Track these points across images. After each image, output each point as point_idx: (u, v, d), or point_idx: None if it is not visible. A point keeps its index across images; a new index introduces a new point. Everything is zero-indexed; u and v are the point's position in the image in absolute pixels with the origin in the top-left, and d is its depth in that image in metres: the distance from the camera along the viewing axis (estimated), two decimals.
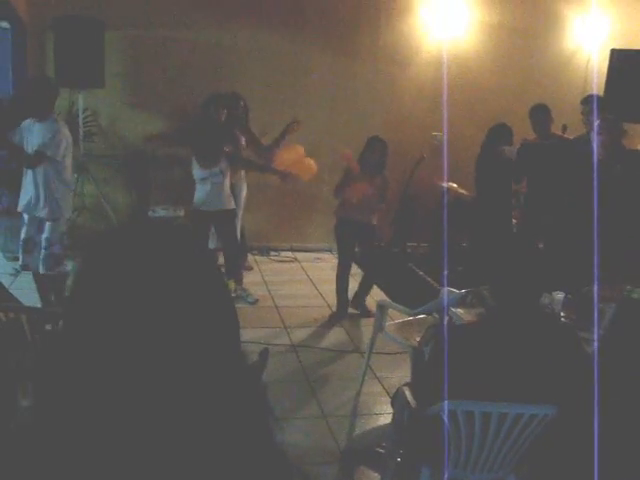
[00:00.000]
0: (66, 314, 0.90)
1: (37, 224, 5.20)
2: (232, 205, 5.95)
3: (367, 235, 5.84)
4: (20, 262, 5.35)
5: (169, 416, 0.82)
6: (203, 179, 5.74)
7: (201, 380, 0.85)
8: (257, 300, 6.13)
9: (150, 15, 7.35)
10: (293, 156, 6.28)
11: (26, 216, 5.22)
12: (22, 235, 5.26)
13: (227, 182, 5.85)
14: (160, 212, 7.08)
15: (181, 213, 6.96)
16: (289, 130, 6.43)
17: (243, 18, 7.53)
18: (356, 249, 5.95)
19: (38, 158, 4.95)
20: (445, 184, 6.81)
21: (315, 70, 7.80)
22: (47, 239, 5.14)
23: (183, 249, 0.91)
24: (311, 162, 6.37)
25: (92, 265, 0.90)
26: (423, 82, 7.95)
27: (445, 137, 6.96)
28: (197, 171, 5.77)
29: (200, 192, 5.80)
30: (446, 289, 3.77)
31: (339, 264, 5.94)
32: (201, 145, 5.73)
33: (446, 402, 2.49)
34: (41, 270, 5.17)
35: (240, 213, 6.66)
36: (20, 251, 5.30)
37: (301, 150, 6.34)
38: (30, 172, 5.09)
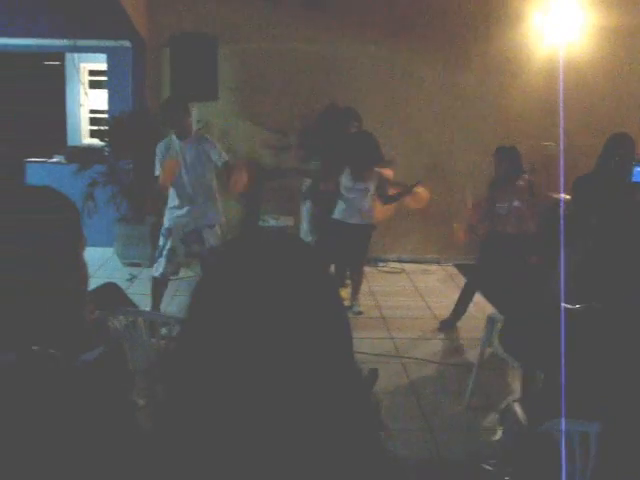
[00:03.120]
0: (186, 322, 0.91)
1: (182, 234, 5.29)
2: (371, 220, 6.00)
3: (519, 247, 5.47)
4: (162, 271, 5.35)
5: (282, 424, 0.83)
6: (350, 190, 5.82)
7: (314, 390, 0.85)
8: (361, 312, 6.14)
9: (262, 29, 7.55)
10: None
11: (172, 227, 5.29)
12: (167, 245, 5.29)
13: (370, 197, 5.90)
14: (270, 222, 7.22)
15: (290, 223, 7.07)
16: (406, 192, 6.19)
17: (355, 31, 7.60)
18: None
19: (230, 168, 5.15)
20: (562, 196, 6.56)
21: (426, 81, 7.76)
22: (211, 247, 5.27)
23: (301, 261, 0.92)
24: (424, 192, 6.19)
25: (212, 275, 0.92)
26: (535, 91, 7.73)
27: (560, 147, 6.73)
28: (347, 182, 5.85)
29: (343, 203, 5.89)
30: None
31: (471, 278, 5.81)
32: (359, 158, 5.79)
33: (560, 420, 2.39)
34: None
35: None
36: (165, 261, 5.31)
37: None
38: (185, 185, 5.23)
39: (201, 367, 0.86)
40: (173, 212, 5.31)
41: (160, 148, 5.27)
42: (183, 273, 6.02)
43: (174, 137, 5.24)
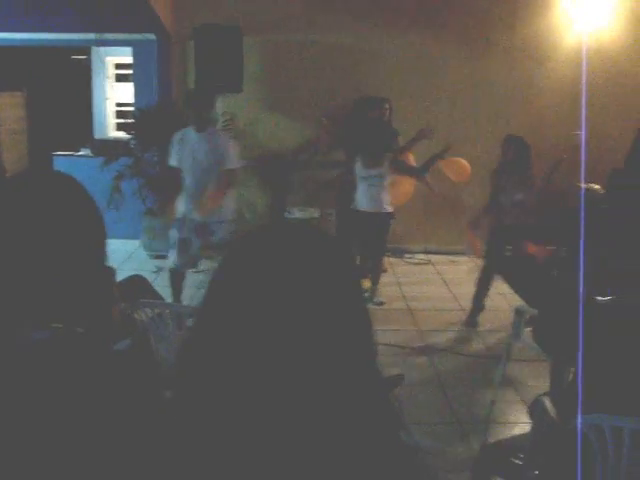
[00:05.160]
0: (201, 311, 0.91)
1: (193, 226, 5.28)
2: (388, 209, 5.98)
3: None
4: (173, 262, 5.40)
5: (295, 420, 0.82)
6: (364, 178, 5.82)
7: (331, 387, 0.84)
8: (383, 302, 6.11)
9: (286, 20, 7.53)
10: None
11: (179, 217, 5.32)
12: (178, 235, 5.31)
13: (385, 185, 5.88)
14: (296, 213, 7.21)
15: (317, 215, 7.04)
16: (418, 137, 6.34)
17: (378, 20, 7.54)
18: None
19: (233, 176, 5.18)
20: (585, 186, 6.46)
21: (451, 69, 7.67)
22: (220, 240, 5.29)
23: (318, 254, 0.90)
24: (464, 164, 6.28)
25: (229, 266, 0.91)
26: (563, 79, 7.61)
27: (584, 136, 6.63)
28: (359, 170, 5.84)
29: (359, 192, 5.89)
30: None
31: (484, 270, 5.77)
32: (368, 144, 5.80)
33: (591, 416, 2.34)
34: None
35: None
36: (177, 252, 5.34)
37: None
38: (191, 177, 5.23)
39: (214, 358, 0.85)
40: (184, 203, 5.31)
41: (176, 138, 5.26)
42: (205, 265, 6.05)
43: (191, 129, 5.21)
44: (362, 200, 5.88)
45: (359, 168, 5.84)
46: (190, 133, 5.20)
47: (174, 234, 5.37)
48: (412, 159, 6.52)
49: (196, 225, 5.26)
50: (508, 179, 5.50)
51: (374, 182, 5.81)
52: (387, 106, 6.68)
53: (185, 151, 5.19)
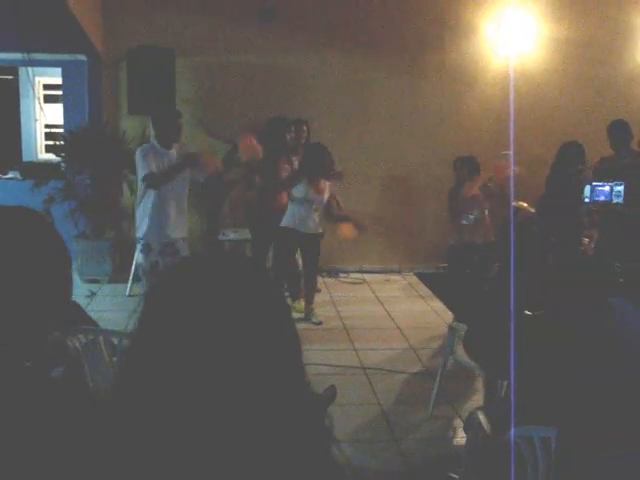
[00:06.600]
0: (134, 336, 0.93)
1: (159, 247, 5.09)
2: (320, 229, 6.05)
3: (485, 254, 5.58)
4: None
5: (228, 436, 0.84)
6: (301, 200, 5.85)
7: (260, 400, 0.86)
8: (321, 322, 6.14)
9: (218, 43, 7.54)
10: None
11: (145, 242, 5.11)
12: (149, 260, 5.08)
13: (321, 208, 5.96)
14: (230, 235, 7.18)
15: (249, 236, 7.03)
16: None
17: (310, 43, 7.64)
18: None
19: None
20: (514, 203, 6.66)
21: (382, 92, 7.82)
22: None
23: (249, 282, 0.94)
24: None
25: (160, 292, 0.94)
26: (490, 100, 7.86)
27: (512, 156, 6.84)
28: (304, 192, 5.87)
29: (293, 212, 5.92)
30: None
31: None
32: (314, 166, 5.82)
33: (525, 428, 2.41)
34: None
35: None
36: (145, 278, 5.14)
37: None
38: (162, 195, 5.07)
39: (148, 383, 0.87)
40: (152, 225, 5.07)
41: (145, 151, 5.01)
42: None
43: (156, 144, 5.09)
44: (303, 222, 5.91)
45: (303, 191, 5.86)
46: (157, 149, 5.07)
47: (144, 260, 5.11)
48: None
49: (164, 245, 5.09)
50: (466, 199, 5.57)
51: (316, 206, 5.90)
52: (305, 128, 6.74)
53: (157, 168, 4.99)
